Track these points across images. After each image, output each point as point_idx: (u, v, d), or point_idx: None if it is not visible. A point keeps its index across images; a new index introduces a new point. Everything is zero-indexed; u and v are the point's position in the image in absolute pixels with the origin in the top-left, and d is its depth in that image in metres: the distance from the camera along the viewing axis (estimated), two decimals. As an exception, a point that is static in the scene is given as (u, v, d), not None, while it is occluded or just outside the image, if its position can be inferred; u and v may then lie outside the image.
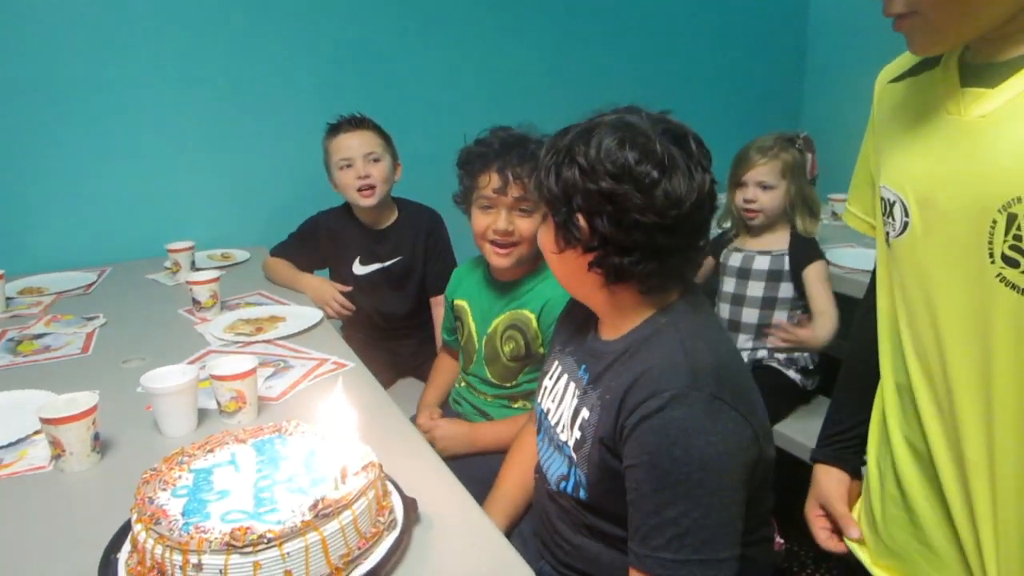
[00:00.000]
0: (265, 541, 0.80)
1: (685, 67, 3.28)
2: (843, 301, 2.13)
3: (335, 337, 1.68)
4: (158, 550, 0.81)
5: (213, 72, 2.46)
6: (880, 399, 1.00)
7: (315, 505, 0.84)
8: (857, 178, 1.05)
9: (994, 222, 0.74)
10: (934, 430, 0.86)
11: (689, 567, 0.88)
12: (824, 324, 1.87)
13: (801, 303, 1.97)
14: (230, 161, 2.55)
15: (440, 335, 1.86)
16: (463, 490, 1.07)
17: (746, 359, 1.98)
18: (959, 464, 0.83)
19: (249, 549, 0.79)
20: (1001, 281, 0.75)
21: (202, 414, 1.28)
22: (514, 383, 1.55)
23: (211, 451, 1.00)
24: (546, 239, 1.04)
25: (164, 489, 0.91)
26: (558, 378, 1.14)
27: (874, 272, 1.13)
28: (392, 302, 2.14)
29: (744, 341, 1.99)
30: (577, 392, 1.06)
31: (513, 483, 1.29)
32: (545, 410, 1.14)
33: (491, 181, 1.42)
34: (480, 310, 1.60)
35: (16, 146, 2.24)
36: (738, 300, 1.98)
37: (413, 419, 1.70)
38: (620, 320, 1.03)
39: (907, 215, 0.85)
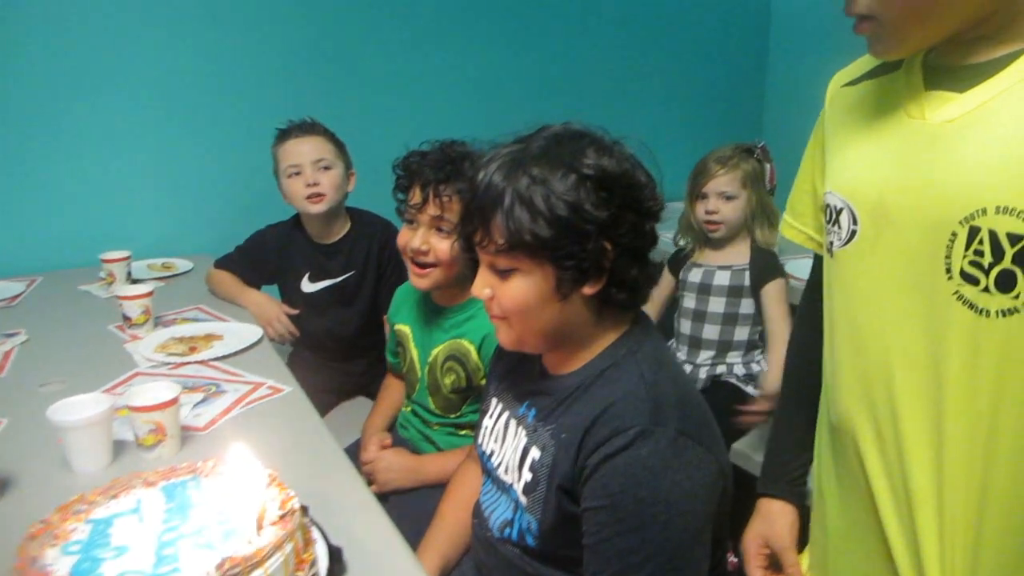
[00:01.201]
0: (160, 610, 0.71)
1: (643, 77, 3.21)
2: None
3: (274, 358, 1.58)
4: (38, 621, 0.72)
5: (158, 74, 2.34)
6: (819, 426, 0.95)
7: (221, 565, 0.76)
8: (797, 188, 0.99)
9: (953, 235, 0.69)
10: (873, 462, 0.80)
11: None
12: (782, 353, 1.80)
13: (760, 317, 1.92)
14: (175, 165, 2.42)
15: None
16: (395, 533, 0.98)
17: (705, 375, 1.93)
18: (904, 498, 0.78)
19: (141, 619, 0.70)
20: (958, 299, 0.70)
21: (119, 447, 1.17)
22: (458, 414, 1.47)
23: (115, 497, 0.91)
24: (535, 293, 0.90)
25: (54, 545, 0.82)
26: (498, 417, 1.07)
27: (809, 285, 1.07)
28: (342, 321, 2.02)
29: (705, 358, 1.94)
30: (523, 431, 0.99)
31: (454, 519, 1.21)
32: (487, 452, 1.07)
33: (415, 195, 1.35)
34: (421, 337, 1.51)
35: None
36: (699, 316, 1.93)
37: (357, 443, 1.62)
38: (578, 352, 0.97)
39: (855, 223, 0.80)
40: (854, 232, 0.80)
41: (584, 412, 0.90)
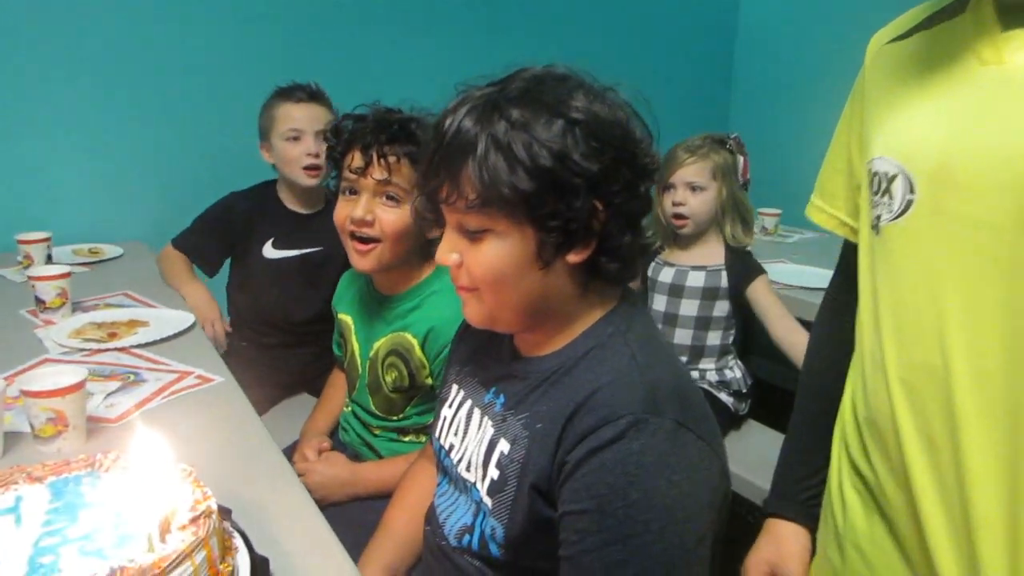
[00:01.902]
0: (24, 633, 0.55)
1: (606, 68, 3.13)
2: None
3: (206, 347, 1.42)
4: None
5: (93, 47, 2.15)
6: (841, 434, 0.83)
7: (110, 575, 0.60)
8: (828, 167, 0.88)
9: None
10: (920, 475, 0.68)
11: None
12: (793, 328, 1.69)
13: (734, 321, 1.82)
14: (107, 147, 2.23)
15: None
16: (334, 542, 0.84)
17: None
18: (961, 523, 0.65)
19: (-3, 646, 0.55)
20: None
21: (12, 439, 1.01)
22: (401, 415, 1.32)
23: (-11, 493, 0.75)
24: (512, 259, 0.77)
25: (-100, 549, 0.65)
26: (459, 406, 0.93)
27: (833, 284, 0.97)
28: (299, 298, 1.85)
29: (675, 363, 1.83)
30: (489, 421, 0.85)
31: (402, 527, 1.06)
32: (445, 447, 0.93)
33: (354, 160, 1.19)
34: (363, 328, 1.36)
35: None
36: (670, 320, 1.82)
37: (295, 445, 1.46)
38: (557, 332, 0.83)
39: (911, 191, 0.68)
40: (910, 202, 0.69)
41: (564, 399, 0.77)
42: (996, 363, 0.62)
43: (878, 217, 0.72)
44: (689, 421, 0.73)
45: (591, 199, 0.74)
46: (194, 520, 0.69)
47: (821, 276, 2.03)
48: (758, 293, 1.75)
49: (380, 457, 1.34)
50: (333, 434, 1.47)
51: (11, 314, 1.55)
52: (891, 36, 0.78)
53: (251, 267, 1.86)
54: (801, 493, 0.92)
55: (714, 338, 1.80)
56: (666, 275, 1.84)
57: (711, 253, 1.81)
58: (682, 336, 1.81)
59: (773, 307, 1.74)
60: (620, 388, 0.74)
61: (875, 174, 0.72)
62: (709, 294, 1.78)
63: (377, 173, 1.17)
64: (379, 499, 1.20)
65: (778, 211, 2.62)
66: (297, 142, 1.78)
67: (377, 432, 1.35)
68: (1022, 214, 0.59)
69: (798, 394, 0.97)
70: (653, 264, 1.90)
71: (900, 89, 0.73)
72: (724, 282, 1.77)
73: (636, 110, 0.79)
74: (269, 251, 1.86)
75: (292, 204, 1.89)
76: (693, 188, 1.76)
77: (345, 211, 1.23)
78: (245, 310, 1.94)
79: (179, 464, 0.76)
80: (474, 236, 0.78)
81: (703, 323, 1.79)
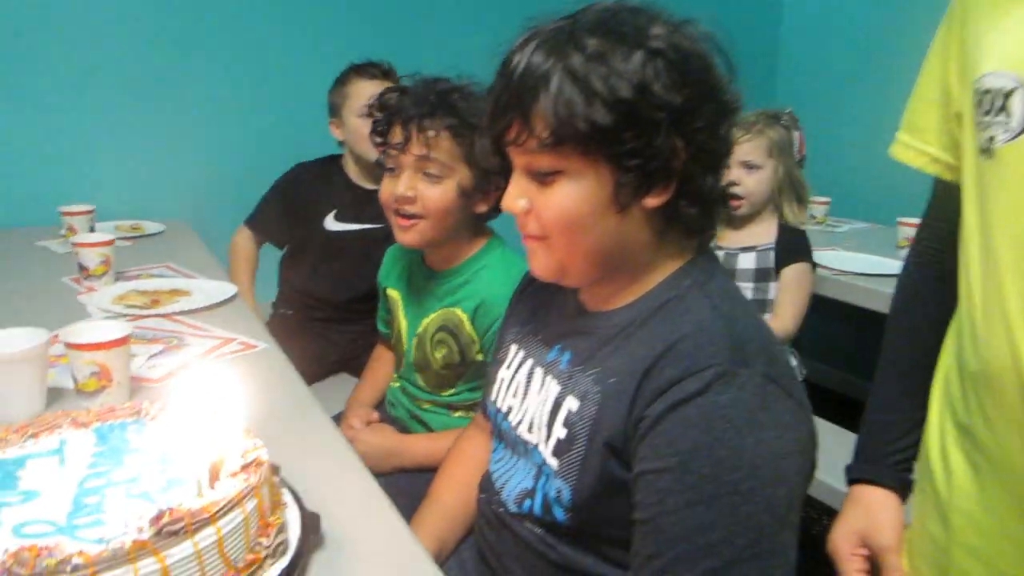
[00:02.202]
0: (68, 570, 0.52)
1: None
2: (831, 307, 1.93)
3: (248, 316, 1.39)
4: (-102, 579, 0.52)
5: (138, 27, 2.15)
6: (943, 391, 0.76)
7: (159, 517, 0.57)
8: (917, 98, 0.81)
9: None
10: None
11: None
12: (774, 326, 1.64)
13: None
14: (150, 126, 2.22)
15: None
16: (387, 504, 0.80)
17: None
18: None
19: (41, 582, 0.51)
20: None
21: (55, 394, 0.99)
22: (452, 391, 1.28)
23: (34, 436, 0.72)
24: (587, 202, 0.72)
25: (-57, 486, 0.62)
26: (518, 367, 0.88)
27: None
28: (354, 273, 1.82)
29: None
30: (554, 380, 0.80)
31: (452, 498, 1.02)
32: (503, 409, 0.88)
33: (395, 135, 1.16)
34: (411, 304, 1.32)
35: None
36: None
37: (338, 418, 1.42)
38: (629, 285, 0.78)
39: None
40: None
41: (640, 352, 0.71)
42: None
43: (990, 139, 0.66)
44: (779, 377, 0.68)
45: (672, 136, 0.69)
46: (245, 468, 0.66)
47: (876, 263, 1.96)
48: (788, 277, 1.69)
49: (430, 431, 1.30)
50: (379, 407, 1.43)
51: (54, 281, 1.54)
52: None
53: (311, 238, 1.87)
54: (890, 456, 0.85)
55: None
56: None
57: (763, 232, 1.75)
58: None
59: (791, 293, 1.66)
60: (704, 339, 0.69)
61: (986, 92, 0.66)
62: (761, 276, 1.72)
63: (416, 148, 1.14)
64: (427, 471, 1.16)
65: (827, 199, 2.53)
66: (371, 118, 1.74)
67: (427, 406, 1.31)
68: None
69: (883, 352, 0.90)
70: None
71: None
72: (773, 262, 1.71)
73: (718, 43, 0.74)
74: (331, 223, 1.86)
75: (357, 178, 1.89)
76: (748, 167, 1.69)
77: (388, 188, 1.20)
78: (298, 282, 1.94)
79: (228, 415, 0.73)
80: (545, 179, 0.73)
81: (758, 307, 1.72)
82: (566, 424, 0.76)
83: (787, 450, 0.66)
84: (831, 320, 2.42)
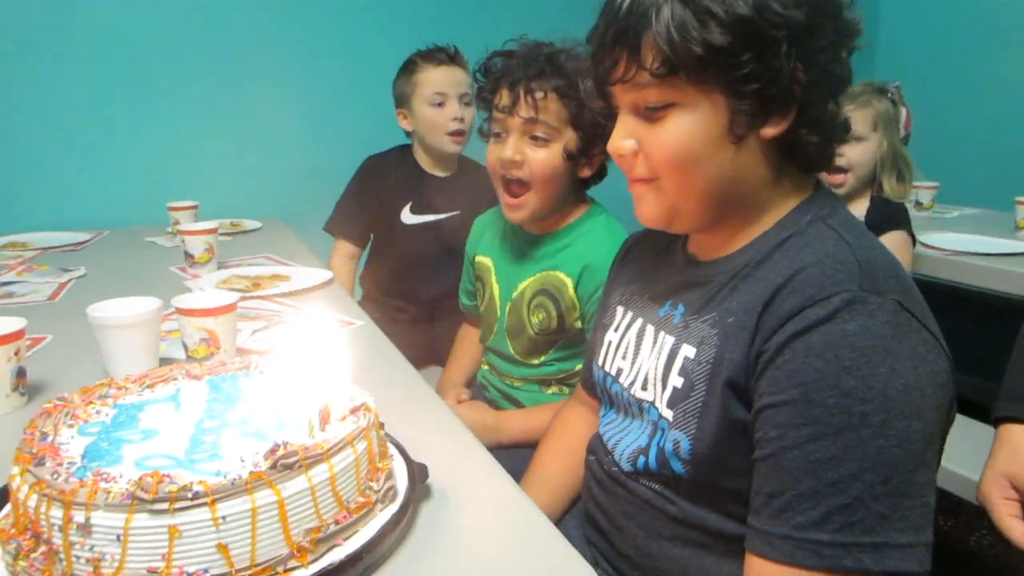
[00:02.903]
0: (189, 496, 0.52)
1: None
2: (944, 297, 1.80)
3: (345, 298, 1.41)
4: (32, 502, 0.54)
5: (236, 37, 2.25)
6: None
7: (274, 451, 0.57)
8: None
9: None
10: None
11: (856, 554, 0.58)
12: None
13: None
14: (245, 129, 2.32)
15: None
16: (492, 460, 0.78)
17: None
18: None
19: (164, 507, 0.51)
20: None
21: (166, 364, 1.01)
22: (542, 359, 1.26)
23: (150, 387, 0.74)
24: (701, 134, 0.69)
25: (71, 425, 0.64)
26: (627, 328, 0.85)
27: None
28: (436, 267, 1.80)
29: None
30: (668, 334, 0.77)
31: (556, 466, 0.99)
32: (612, 372, 0.85)
33: (501, 98, 1.14)
34: (505, 269, 1.31)
35: (24, 107, 2.06)
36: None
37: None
38: (745, 228, 0.74)
39: None
40: None
41: (759, 288, 0.67)
42: None
43: None
44: (912, 306, 0.63)
45: (792, 57, 0.65)
46: (354, 411, 0.65)
47: (994, 244, 1.83)
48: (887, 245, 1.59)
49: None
50: (470, 387, 1.42)
51: (162, 270, 1.61)
52: None
53: (391, 235, 1.84)
54: None
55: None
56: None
57: (856, 208, 1.65)
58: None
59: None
60: (830, 265, 0.64)
61: None
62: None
63: (524, 111, 1.13)
64: (524, 447, 1.14)
65: (935, 184, 2.38)
66: (441, 107, 1.73)
67: (518, 384, 1.29)
68: None
69: None
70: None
71: None
72: None
73: None
74: (407, 216, 1.82)
75: (429, 168, 1.85)
76: (854, 138, 1.61)
77: (495, 154, 1.19)
78: (381, 285, 1.92)
79: (333, 369, 0.73)
80: (655, 114, 0.69)
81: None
82: (682, 373, 0.72)
83: (923, 382, 0.60)
84: (944, 313, 2.27)
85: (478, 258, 1.37)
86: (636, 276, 0.88)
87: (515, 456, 1.12)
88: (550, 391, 1.27)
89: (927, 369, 0.61)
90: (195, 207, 1.91)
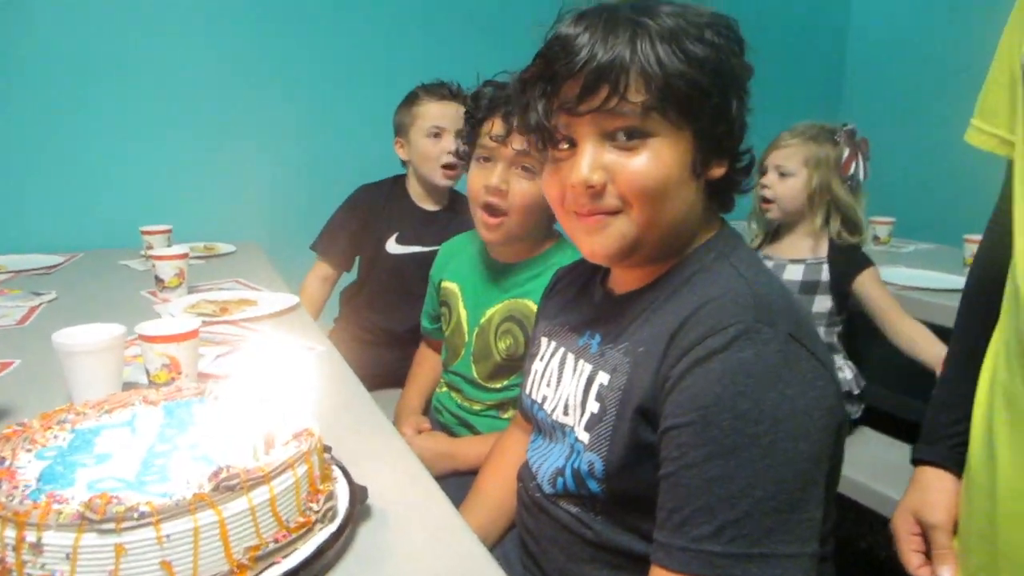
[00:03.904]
0: (135, 516, 0.56)
1: None
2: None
3: (310, 324, 1.45)
4: (-12, 522, 0.58)
5: (209, 64, 2.31)
6: (993, 364, 0.76)
7: (217, 473, 0.61)
8: (991, 82, 0.82)
9: None
10: None
11: (745, 565, 0.63)
12: (918, 329, 1.59)
13: (839, 318, 1.73)
14: (222, 154, 2.37)
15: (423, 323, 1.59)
16: (434, 485, 0.83)
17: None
18: None
19: (111, 526, 0.56)
20: None
21: (129, 388, 1.05)
22: (503, 384, 1.31)
23: (108, 412, 0.78)
24: (676, 167, 0.73)
25: (29, 450, 0.69)
26: (550, 357, 0.91)
27: (994, 215, 0.89)
28: (416, 298, 1.76)
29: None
30: (586, 362, 0.83)
31: (496, 492, 1.04)
32: (538, 400, 0.91)
33: (493, 127, 1.19)
34: (473, 295, 1.36)
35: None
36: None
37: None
38: (660, 261, 0.80)
39: None
40: None
41: (667, 320, 0.73)
42: None
43: None
44: (802, 336, 0.68)
45: (736, 102, 0.73)
46: (296, 436, 0.70)
47: (941, 279, 1.92)
48: (866, 286, 1.66)
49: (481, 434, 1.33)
50: (426, 412, 1.47)
51: (133, 293, 1.65)
52: None
53: (374, 262, 1.88)
54: (950, 439, 0.85)
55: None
56: (768, 269, 1.77)
57: (808, 247, 1.74)
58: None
59: (883, 299, 1.65)
60: (729, 300, 0.70)
61: None
62: (807, 288, 1.70)
63: (517, 143, 1.16)
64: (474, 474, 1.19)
65: (891, 219, 2.48)
66: (438, 139, 1.79)
67: (477, 408, 1.34)
68: None
69: (952, 334, 0.90)
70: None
71: None
72: (825, 276, 1.69)
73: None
74: (392, 246, 1.87)
75: (420, 200, 1.90)
76: (781, 173, 1.72)
77: (480, 179, 1.23)
78: (359, 313, 1.96)
79: (283, 396, 0.77)
80: (629, 146, 0.73)
81: (808, 319, 1.70)
82: (597, 399, 0.78)
83: (810, 406, 0.66)
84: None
85: (444, 284, 1.43)
86: (560, 309, 0.94)
87: (470, 482, 1.17)
88: (507, 415, 1.32)
89: (815, 395, 0.67)
90: (168, 231, 1.95)
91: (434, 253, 1.80)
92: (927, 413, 0.90)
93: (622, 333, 0.79)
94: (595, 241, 0.78)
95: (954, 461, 0.84)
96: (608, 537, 0.78)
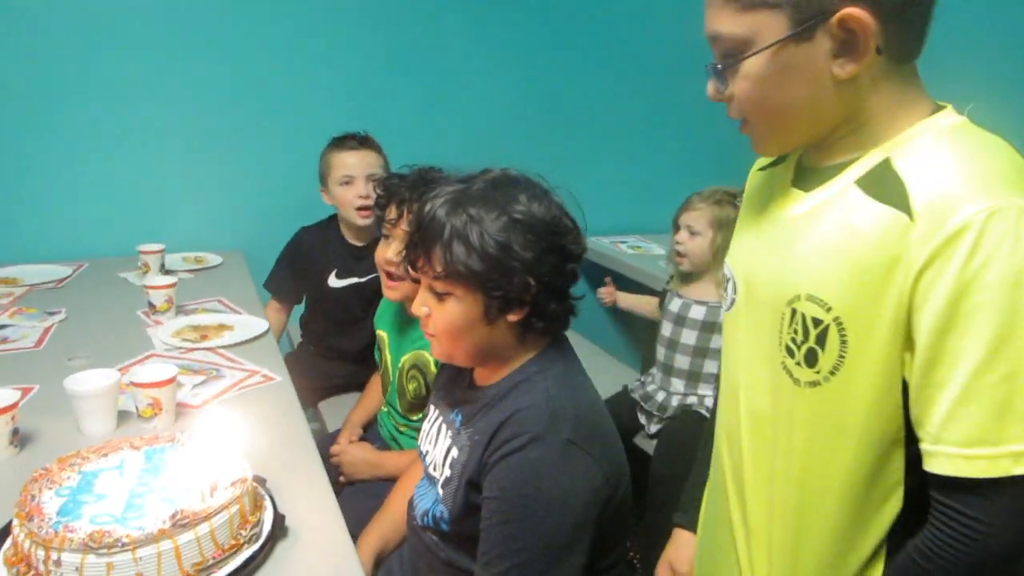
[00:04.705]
0: (120, 545, 0.88)
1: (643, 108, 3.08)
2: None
3: (274, 351, 1.77)
4: (26, 544, 0.90)
5: (198, 79, 2.55)
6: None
7: (174, 515, 0.93)
8: None
9: (783, 314, 0.82)
10: (731, 497, 0.93)
11: None
12: None
13: None
14: (212, 166, 2.63)
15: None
16: (337, 512, 1.14)
17: (676, 404, 2.03)
18: (743, 529, 0.92)
19: (104, 551, 0.88)
20: (784, 369, 0.82)
21: (124, 416, 1.37)
22: (418, 417, 1.62)
23: (105, 455, 1.10)
24: (466, 317, 1.03)
25: (50, 488, 1.00)
26: (434, 422, 1.21)
27: None
28: (361, 325, 2.12)
29: (677, 387, 2.05)
30: (450, 434, 1.14)
31: (400, 509, 1.36)
32: (424, 452, 1.22)
33: (391, 211, 1.49)
34: (395, 342, 1.67)
35: (3, 141, 2.38)
36: (672, 345, 2.05)
37: (337, 432, 1.80)
38: (500, 367, 1.10)
39: (735, 292, 0.93)
40: (734, 300, 0.93)
41: (495, 418, 1.03)
42: (766, 425, 0.88)
43: (723, 306, 0.97)
44: (579, 439, 0.98)
45: (526, 277, 1.00)
46: (233, 483, 1.01)
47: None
48: None
49: (403, 449, 1.65)
50: (368, 427, 1.80)
51: (130, 313, 1.95)
52: (760, 165, 1.00)
53: (320, 297, 2.20)
54: (698, 510, 1.13)
55: (711, 367, 2.02)
56: (674, 304, 2.08)
57: (713, 292, 2.02)
58: (681, 361, 2.03)
59: None
60: (530, 412, 1.00)
61: (723, 274, 0.97)
62: (707, 327, 2.00)
63: (405, 224, 1.46)
64: (392, 484, 1.52)
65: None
66: (349, 186, 2.09)
67: (403, 430, 1.66)
68: (775, 322, 0.83)
69: (706, 427, 1.20)
70: (667, 293, 2.15)
71: (746, 211, 0.97)
72: (721, 318, 1.99)
73: (566, 209, 1.05)
74: (334, 281, 2.19)
75: (350, 238, 2.21)
76: (692, 232, 1.99)
77: (381, 252, 1.55)
78: (316, 333, 2.29)
79: (232, 445, 1.09)
80: (440, 297, 1.05)
81: (700, 352, 2.01)
82: (450, 467, 1.10)
83: (577, 491, 0.97)
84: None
85: (378, 331, 1.75)
86: (444, 384, 1.24)
87: (390, 486, 1.49)
88: (426, 437, 1.66)
89: (582, 482, 0.98)
90: (162, 250, 2.25)
91: (371, 281, 2.12)
92: (687, 488, 1.18)
93: (472, 419, 1.09)
94: (431, 349, 1.13)
95: (696, 525, 1.14)
96: (455, 559, 1.11)
